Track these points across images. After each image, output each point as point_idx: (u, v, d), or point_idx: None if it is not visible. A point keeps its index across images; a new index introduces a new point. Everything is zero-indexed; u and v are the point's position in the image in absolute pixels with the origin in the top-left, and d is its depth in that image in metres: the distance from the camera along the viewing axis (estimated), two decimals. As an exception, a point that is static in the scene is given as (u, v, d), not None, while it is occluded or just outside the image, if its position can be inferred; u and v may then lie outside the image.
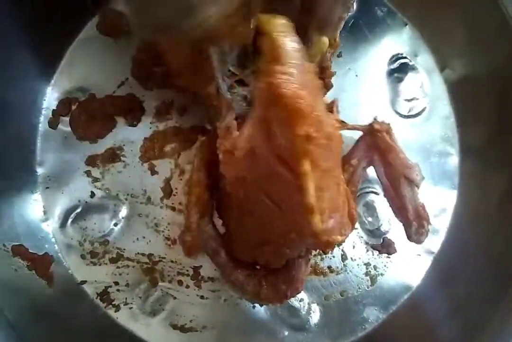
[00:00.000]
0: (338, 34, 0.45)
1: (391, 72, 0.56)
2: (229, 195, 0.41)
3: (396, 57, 0.56)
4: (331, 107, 0.49)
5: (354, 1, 0.45)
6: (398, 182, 0.45)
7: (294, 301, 0.51)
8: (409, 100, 0.56)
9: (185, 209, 0.46)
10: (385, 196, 0.48)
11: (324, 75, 0.48)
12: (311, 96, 0.33)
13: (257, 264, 0.45)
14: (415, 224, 0.45)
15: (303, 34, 0.41)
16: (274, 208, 0.37)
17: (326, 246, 0.38)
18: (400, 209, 0.46)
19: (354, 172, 0.47)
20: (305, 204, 0.33)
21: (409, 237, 0.46)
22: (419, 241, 0.46)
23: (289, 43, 0.34)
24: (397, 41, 0.57)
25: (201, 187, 0.44)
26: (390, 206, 0.47)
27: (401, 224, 0.47)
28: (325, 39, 0.43)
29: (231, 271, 0.45)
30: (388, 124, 0.47)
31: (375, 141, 0.47)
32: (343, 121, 0.50)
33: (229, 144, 0.40)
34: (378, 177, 0.48)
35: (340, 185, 0.38)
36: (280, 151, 0.34)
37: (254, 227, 0.41)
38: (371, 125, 0.47)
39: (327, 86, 0.50)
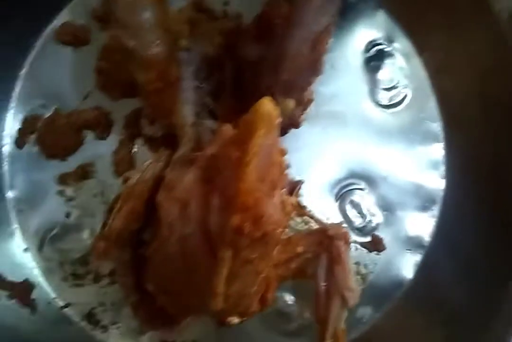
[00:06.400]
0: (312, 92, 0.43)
1: (367, 61, 0.54)
2: (161, 220, 0.38)
3: (372, 44, 0.54)
4: (292, 188, 0.47)
5: (323, 66, 0.41)
6: (332, 294, 0.42)
7: (285, 306, 0.50)
8: (388, 89, 0.54)
9: (113, 213, 0.42)
10: (315, 297, 0.44)
11: (292, 126, 0.45)
12: (266, 188, 0.31)
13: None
14: None
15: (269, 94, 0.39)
16: (184, 270, 0.36)
17: (220, 323, 0.39)
18: (321, 320, 0.43)
19: (293, 258, 0.43)
20: (212, 286, 0.32)
21: None
22: None
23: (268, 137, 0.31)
24: (371, 26, 0.54)
25: (140, 201, 0.41)
26: (313, 310, 0.44)
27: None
28: (290, 102, 0.41)
29: (129, 292, 0.44)
30: (347, 233, 0.44)
31: (329, 245, 0.43)
32: (301, 206, 0.48)
33: (170, 178, 0.37)
34: (315, 274, 0.44)
35: (260, 274, 0.36)
36: (209, 224, 0.32)
37: (165, 269, 0.38)
38: (328, 229, 0.44)
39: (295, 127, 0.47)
